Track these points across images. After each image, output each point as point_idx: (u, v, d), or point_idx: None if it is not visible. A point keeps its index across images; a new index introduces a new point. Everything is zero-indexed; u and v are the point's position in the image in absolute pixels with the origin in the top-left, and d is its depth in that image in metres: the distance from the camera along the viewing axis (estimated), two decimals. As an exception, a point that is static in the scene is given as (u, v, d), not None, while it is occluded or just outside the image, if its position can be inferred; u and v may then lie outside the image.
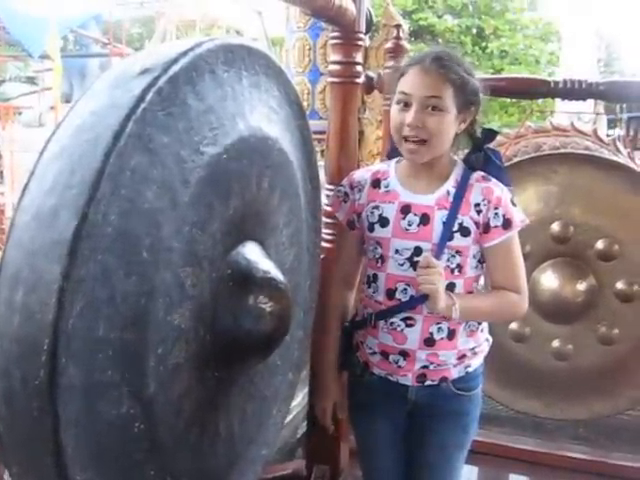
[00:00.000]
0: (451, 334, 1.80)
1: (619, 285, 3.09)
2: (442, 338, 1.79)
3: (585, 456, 3.06)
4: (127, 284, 1.23)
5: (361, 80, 2.48)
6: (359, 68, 2.39)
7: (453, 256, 1.75)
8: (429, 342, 1.79)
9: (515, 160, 3.29)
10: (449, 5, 19.85)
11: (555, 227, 3.09)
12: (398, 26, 3.10)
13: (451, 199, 1.75)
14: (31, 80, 15.77)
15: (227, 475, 1.74)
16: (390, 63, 3.04)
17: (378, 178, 1.88)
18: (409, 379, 1.84)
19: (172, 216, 1.30)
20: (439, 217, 1.75)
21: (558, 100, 3.40)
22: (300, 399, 3.12)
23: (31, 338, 1.15)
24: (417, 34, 17.88)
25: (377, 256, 1.83)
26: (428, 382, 1.84)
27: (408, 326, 1.79)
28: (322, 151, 2.95)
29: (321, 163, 2.19)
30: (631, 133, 15.60)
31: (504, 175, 1.82)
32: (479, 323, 1.85)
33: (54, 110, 10.42)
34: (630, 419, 3.50)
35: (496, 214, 1.73)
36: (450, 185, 1.78)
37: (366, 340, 1.89)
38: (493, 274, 1.82)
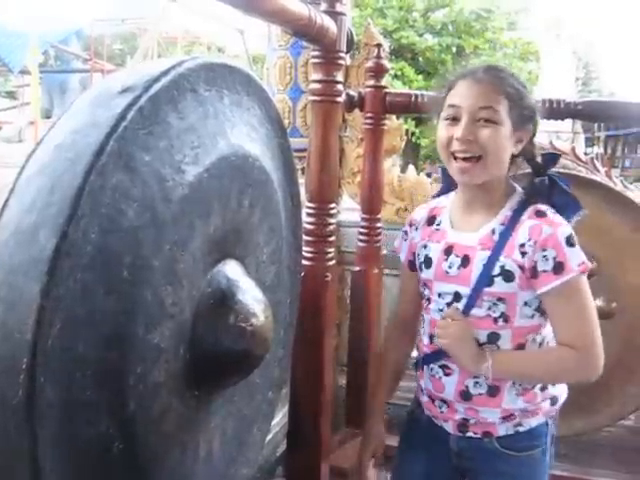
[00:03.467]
0: (493, 391, 1.62)
1: (598, 302, 3.10)
2: (480, 394, 1.63)
3: (566, 473, 3.06)
4: (107, 302, 1.23)
5: (342, 99, 2.50)
6: (340, 87, 2.40)
7: (495, 304, 1.58)
8: (465, 396, 1.65)
9: (495, 178, 3.31)
10: (429, 24, 20.04)
11: (534, 245, 3.11)
12: (379, 45, 3.14)
13: (496, 238, 1.57)
14: (11, 95, 15.71)
15: (207, 495, 1.72)
16: (371, 82, 3.07)
17: (434, 215, 1.77)
18: (450, 426, 1.72)
19: (153, 234, 1.30)
20: (480, 259, 1.57)
21: (537, 119, 3.44)
22: (280, 418, 3.11)
23: (9, 357, 1.14)
24: (398, 52, 18.04)
25: (426, 297, 1.74)
26: (470, 433, 1.70)
27: (446, 375, 1.67)
28: (303, 169, 2.95)
29: (302, 181, 2.19)
30: (609, 151, 15.80)
31: (572, 204, 1.64)
32: None
33: (34, 125, 10.39)
34: (609, 435, 3.51)
35: (544, 256, 1.51)
36: (498, 222, 1.59)
37: (419, 379, 1.83)
38: (553, 326, 1.60)
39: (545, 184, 1.61)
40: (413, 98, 3.02)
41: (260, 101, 1.77)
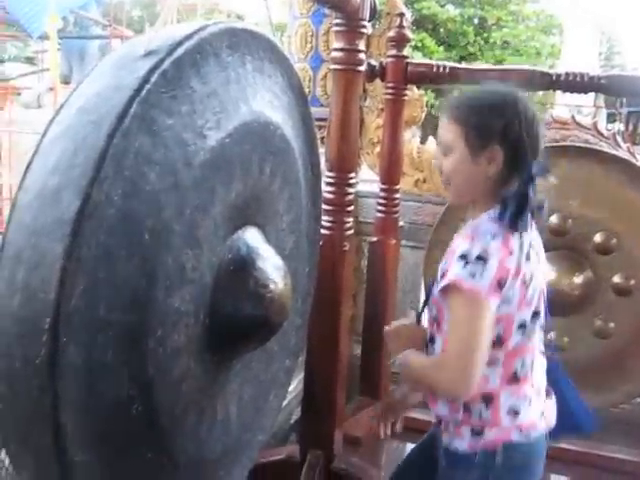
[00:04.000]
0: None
1: (616, 279, 3.10)
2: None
3: (578, 448, 3.07)
4: (128, 265, 1.24)
5: (363, 68, 2.48)
6: (362, 56, 2.38)
7: (430, 309, 1.69)
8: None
9: (515, 152, 3.28)
10: (451, -5, 19.78)
11: (553, 220, 3.09)
12: (401, 15, 3.11)
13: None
14: (30, 60, 15.69)
15: (224, 459, 1.75)
16: (392, 52, 3.04)
17: None
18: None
19: (174, 199, 1.30)
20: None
21: (558, 93, 3.40)
22: (294, 385, 3.13)
23: (32, 317, 1.15)
24: (419, 23, 17.82)
25: None
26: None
27: None
28: (322, 138, 2.95)
29: (321, 150, 2.19)
30: (630, 128, 15.60)
31: (504, 222, 1.54)
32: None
33: (53, 91, 10.38)
34: (624, 412, 3.51)
35: (445, 262, 1.58)
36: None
37: None
38: None
39: (518, 198, 1.55)
40: (435, 68, 2.99)
41: (282, 69, 1.76)
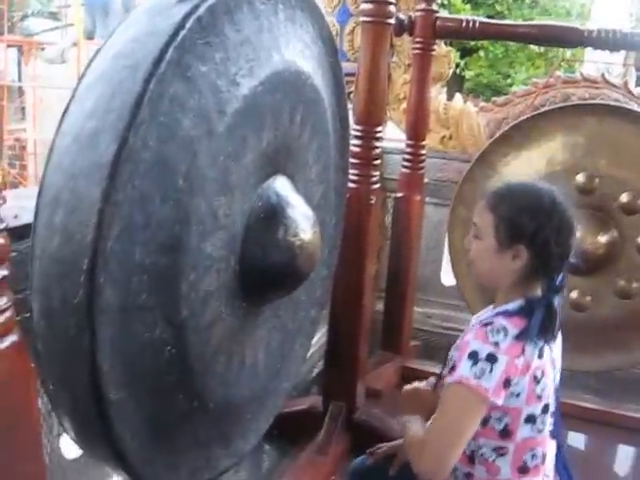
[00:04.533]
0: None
1: (640, 240, 3.08)
2: None
3: (595, 406, 3.10)
4: (163, 210, 1.26)
5: (392, 21, 2.46)
6: (392, 8, 2.36)
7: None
8: None
9: (543, 109, 3.25)
10: (480, -48, 19.32)
11: (580, 178, 3.07)
12: (431, -32, 3.05)
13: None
14: (54, 16, 15.62)
15: (251, 403, 1.79)
16: (422, 5, 3.01)
17: None
18: None
19: (207, 145, 1.32)
20: None
21: (587, 51, 3.35)
22: (317, 338, 3.18)
23: (70, 258, 1.18)
24: (445, -20, 17.47)
25: None
26: None
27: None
28: (350, 93, 2.93)
29: (349, 105, 2.18)
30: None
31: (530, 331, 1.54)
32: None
33: (77, 47, 10.37)
34: (642, 373, 3.52)
35: (456, 352, 1.62)
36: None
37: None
38: None
39: (532, 306, 1.56)
40: (464, 23, 2.95)
41: (313, 19, 1.76)
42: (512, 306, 1.58)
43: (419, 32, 3.02)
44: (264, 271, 1.57)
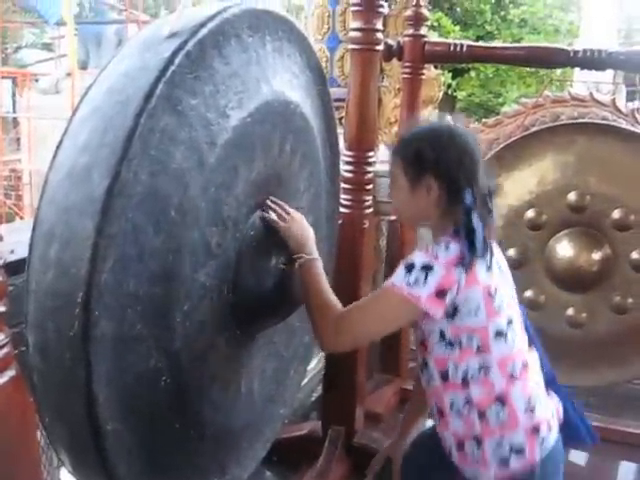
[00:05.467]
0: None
1: (634, 255, 3.11)
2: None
3: (597, 423, 3.09)
4: (156, 241, 1.28)
5: (381, 47, 2.50)
6: (379, 35, 2.40)
7: (416, 333, 1.74)
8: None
9: (533, 129, 3.29)
10: (468, -27, 19.55)
11: (572, 196, 3.10)
12: (418, -7, 3.10)
13: None
14: (47, 47, 15.76)
15: (247, 431, 1.80)
16: (410, 31, 3.04)
17: None
18: None
19: (199, 177, 1.34)
20: None
21: (577, 70, 3.39)
22: (315, 363, 3.19)
23: (65, 291, 1.20)
24: (435, 3, 17.64)
25: None
26: None
27: None
28: (340, 118, 2.96)
29: (339, 130, 2.21)
30: (650, 105, 15.38)
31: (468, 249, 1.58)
32: (469, 409, 1.64)
33: (71, 77, 10.45)
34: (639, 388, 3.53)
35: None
36: None
37: None
38: None
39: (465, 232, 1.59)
40: (452, 47, 2.99)
41: (301, 48, 1.79)
42: (445, 239, 1.61)
43: (408, 57, 3.05)
44: (257, 299, 1.59)
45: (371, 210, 2.55)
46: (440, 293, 1.52)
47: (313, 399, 3.35)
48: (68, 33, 10.61)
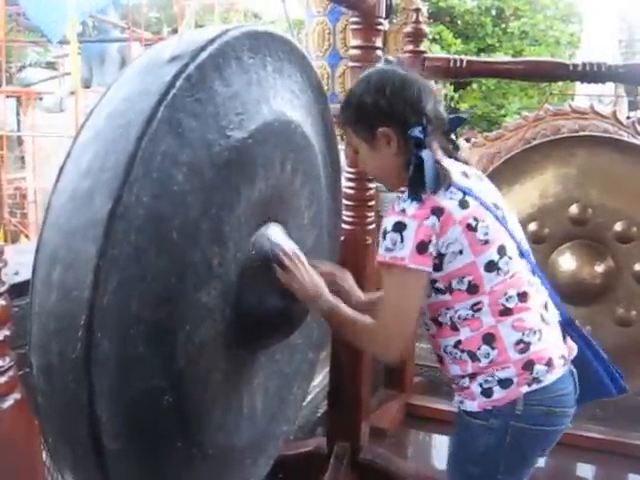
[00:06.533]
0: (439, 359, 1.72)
1: (637, 267, 3.11)
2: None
3: (602, 436, 3.09)
4: (158, 263, 1.29)
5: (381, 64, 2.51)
6: (379, 52, 2.42)
7: (424, 314, 1.72)
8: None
9: (534, 143, 3.31)
10: (468, -14, 19.65)
11: (573, 209, 3.12)
12: (417, 10, 3.13)
13: None
14: (51, 65, 15.85)
15: (250, 448, 1.80)
16: (409, 47, 3.07)
17: None
18: None
19: (200, 198, 1.36)
20: None
21: (578, 83, 3.40)
22: (320, 379, 3.19)
23: (68, 314, 1.21)
24: (436, 16, 17.73)
25: None
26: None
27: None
28: (342, 135, 2.98)
29: (341, 147, 2.23)
30: (653, 115, 15.40)
31: (415, 183, 1.54)
32: (461, 351, 1.64)
33: (74, 95, 10.51)
34: (647, 400, 3.51)
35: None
36: None
37: None
38: None
39: (413, 168, 1.56)
40: (452, 63, 3.01)
41: (301, 68, 1.81)
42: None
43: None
44: (259, 318, 1.60)
45: (374, 226, 2.56)
46: (421, 247, 1.50)
47: (318, 415, 3.35)
48: (72, 52, 10.67)
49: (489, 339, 1.59)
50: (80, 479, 1.41)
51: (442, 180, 1.53)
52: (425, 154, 1.54)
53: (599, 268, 3.16)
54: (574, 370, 1.68)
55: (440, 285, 1.59)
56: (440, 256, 1.53)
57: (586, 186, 3.11)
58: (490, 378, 1.60)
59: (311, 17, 4.10)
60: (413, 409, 3.39)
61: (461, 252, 1.54)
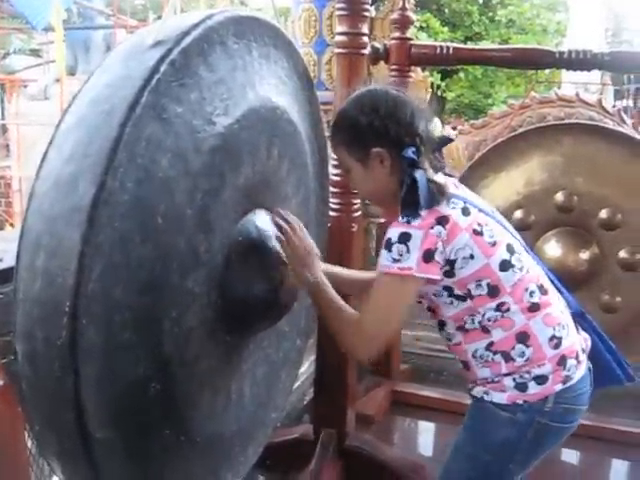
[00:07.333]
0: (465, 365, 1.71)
1: (622, 254, 3.13)
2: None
3: (587, 422, 3.10)
4: (143, 250, 1.28)
5: (367, 51, 2.51)
6: (365, 39, 2.41)
7: (423, 304, 1.74)
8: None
9: (520, 130, 3.32)
10: (455, -26, 19.61)
11: (559, 197, 3.13)
12: (404, -3, 3.12)
13: None
14: (35, 53, 15.70)
15: (239, 436, 1.80)
16: (396, 34, 3.06)
17: None
18: None
19: (185, 184, 1.35)
20: None
21: (565, 71, 3.42)
22: (307, 367, 3.19)
23: (52, 301, 1.20)
24: (423, 4, 17.68)
25: None
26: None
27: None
28: (328, 122, 2.97)
29: (328, 134, 2.22)
30: (638, 104, 15.49)
31: (411, 202, 1.55)
32: (493, 353, 1.63)
33: (59, 83, 10.42)
34: (632, 386, 3.53)
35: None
36: None
37: None
38: None
39: (406, 188, 1.57)
40: (438, 50, 3.01)
41: (288, 54, 1.80)
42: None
43: (394, 60, 3.07)
44: (246, 304, 1.59)
45: (360, 213, 2.56)
46: (427, 256, 1.51)
47: (305, 402, 3.35)
48: (57, 39, 10.57)
49: (523, 337, 1.60)
50: (66, 467, 1.40)
51: (436, 197, 1.54)
52: (419, 174, 1.55)
53: (584, 255, 3.17)
54: (591, 366, 1.70)
55: (459, 292, 1.60)
56: (450, 262, 1.55)
57: (572, 174, 3.12)
58: (527, 375, 1.60)
59: (297, 4, 4.08)
60: (399, 396, 3.40)
61: (472, 257, 1.55)
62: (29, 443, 1.70)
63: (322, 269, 1.71)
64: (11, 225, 10.37)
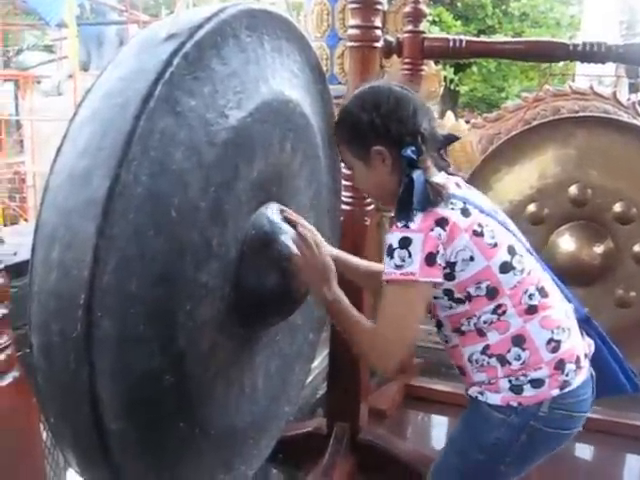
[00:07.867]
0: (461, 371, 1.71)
1: (637, 248, 3.10)
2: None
3: (600, 416, 3.10)
4: (157, 242, 1.29)
5: (380, 44, 2.50)
6: (378, 32, 2.40)
7: None
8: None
9: (534, 123, 3.29)
10: (468, -33, 19.50)
11: (573, 190, 3.10)
12: (417, -10, 3.10)
13: None
14: (49, 49, 15.77)
15: (252, 428, 1.81)
16: (409, 27, 3.04)
17: None
18: None
19: (199, 177, 1.35)
20: None
21: (579, 64, 3.39)
22: (320, 361, 3.19)
23: (68, 293, 1.21)
24: (436, -3, 17.64)
25: None
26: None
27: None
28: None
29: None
30: (653, 97, 15.36)
31: (408, 203, 1.53)
32: (489, 357, 1.62)
33: (72, 78, 10.47)
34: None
35: None
36: None
37: None
38: None
39: (403, 188, 1.56)
40: (451, 43, 2.98)
41: (300, 47, 1.80)
42: None
43: (407, 53, 3.05)
44: (260, 297, 1.60)
45: (372, 207, 2.55)
46: (429, 259, 1.50)
47: (318, 396, 3.36)
48: (70, 35, 10.62)
49: (519, 340, 1.58)
50: (82, 458, 1.41)
51: (431, 199, 1.53)
52: (416, 175, 1.54)
53: (598, 249, 3.15)
54: (594, 373, 1.68)
55: (458, 295, 1.58)
56: (450, 265, 1.53)
57: (586, 167, 3.09)
58: (522, 378, 1.59)
59: (310, -2, 4.08)
60: (412, 390, 3.40)
61: (472, 259, 1.54)
62: (44, 435, 1.72)
63: (330, 254, 1.70)
64: (25, 220, 10.45)
